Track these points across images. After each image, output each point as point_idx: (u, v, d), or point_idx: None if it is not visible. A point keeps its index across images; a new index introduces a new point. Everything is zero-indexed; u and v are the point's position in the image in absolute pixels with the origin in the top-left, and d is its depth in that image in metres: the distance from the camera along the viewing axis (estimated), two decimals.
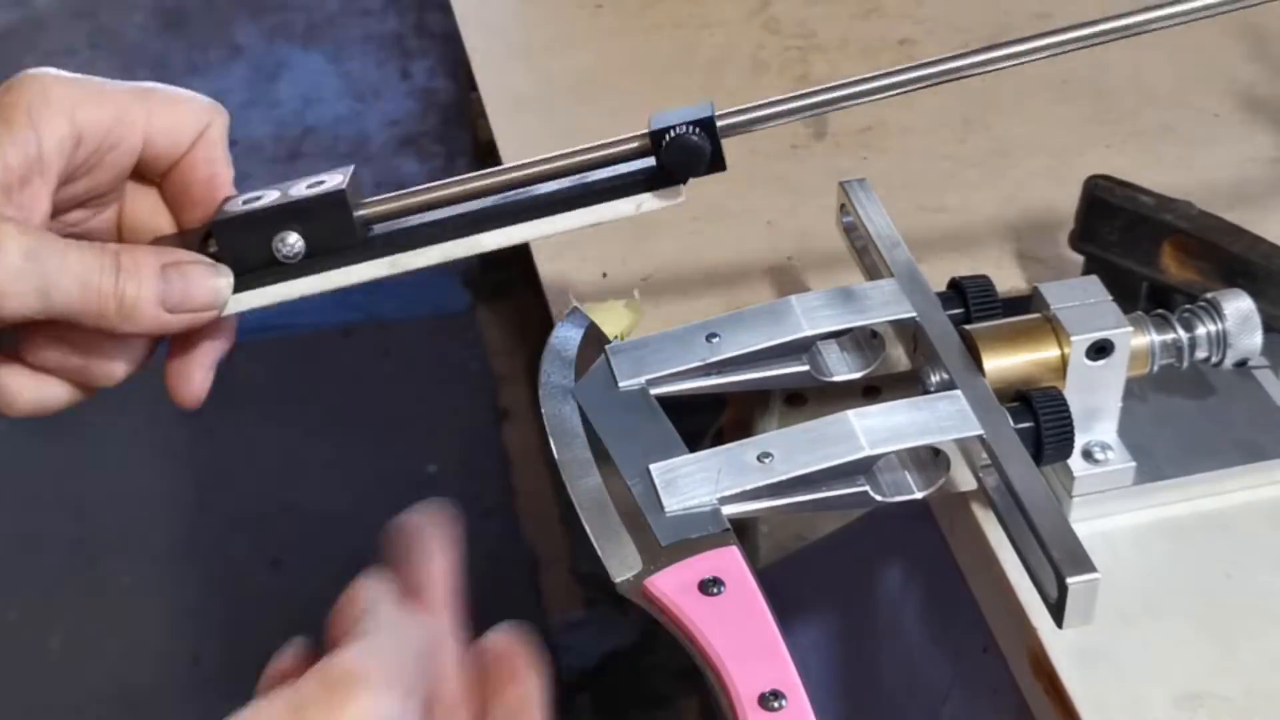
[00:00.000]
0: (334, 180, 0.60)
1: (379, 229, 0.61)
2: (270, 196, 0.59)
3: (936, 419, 0.62)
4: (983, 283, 0.68)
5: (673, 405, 0.65)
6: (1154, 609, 0.63)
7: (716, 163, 0.62)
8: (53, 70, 0.59)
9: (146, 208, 0.63)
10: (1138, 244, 0.74)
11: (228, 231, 0.59)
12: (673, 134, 0.61)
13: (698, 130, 0.62)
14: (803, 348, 0.66)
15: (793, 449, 0.61)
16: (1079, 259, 0.77)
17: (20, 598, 1.86)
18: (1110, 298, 0.65)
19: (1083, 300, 0.65)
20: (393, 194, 0.60)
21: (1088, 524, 0.66)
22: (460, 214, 0.61)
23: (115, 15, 1.99)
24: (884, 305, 0.67)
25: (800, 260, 0.84)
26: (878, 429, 0.61)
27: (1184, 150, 0.91)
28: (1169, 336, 0.66)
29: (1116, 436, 0.66)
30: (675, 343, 0.66)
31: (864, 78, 0.65)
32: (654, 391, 0.65)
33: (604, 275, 0.83)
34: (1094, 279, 0.67)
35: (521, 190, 0.62)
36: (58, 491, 1.95)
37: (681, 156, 0.61)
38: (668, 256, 0.84)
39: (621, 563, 0.56)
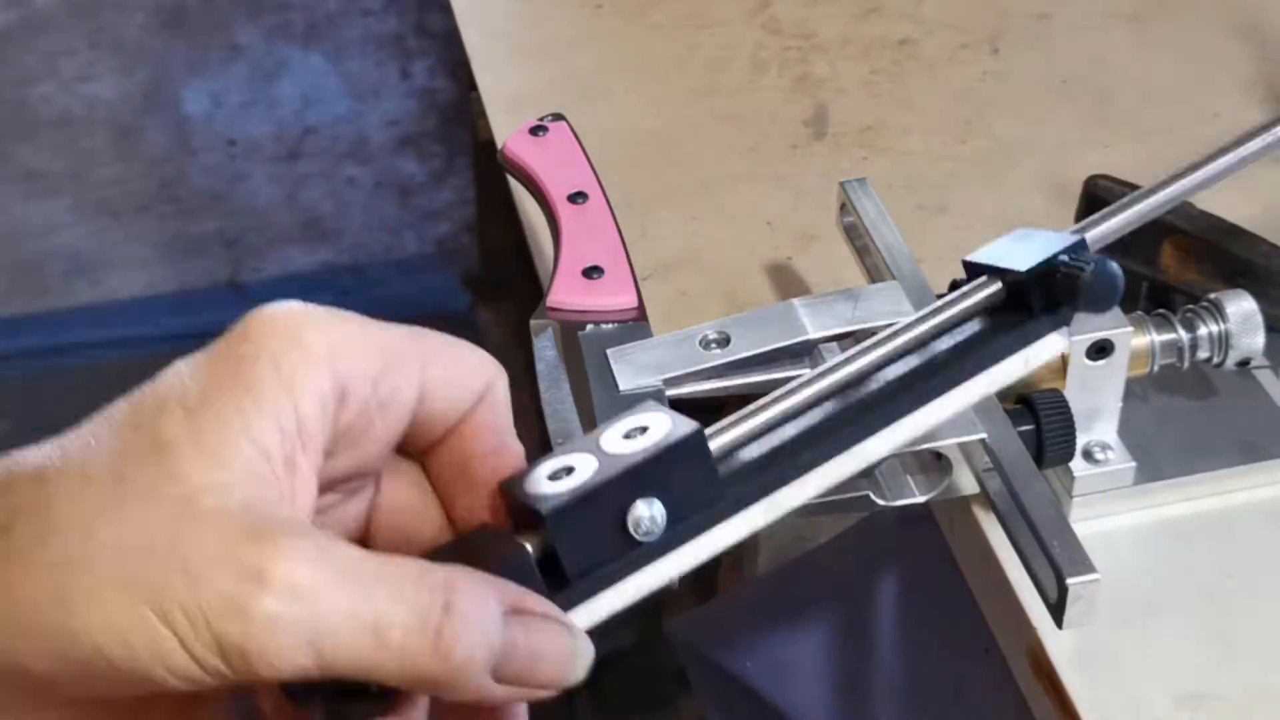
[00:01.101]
0: (677, 424, 0.44)
1: (733, 461, 0.47)
2: (583, 457, 0.43)
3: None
4: None
5: (672, 408, 0.65)
6: (1154, 609, 0.63)
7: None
8: (298, 304, 0.42)
9: (404, 489, 0.46)
10: (1138, 244, 0.74)
11: (567, 522, 0.42)
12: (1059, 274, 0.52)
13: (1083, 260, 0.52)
14: (804, 350, 0.66)
15: None
16: None
17: None
18: None
19: None
20: (735, 417, 0.47)
21: (1088, 524, 0.66)
22: (819, 422, 0.49)
23: (115, 15, 1.99)
24: (885, 307, 0.67)
25: (800, 260, 0.84)
26: None
27: (1184, 150, 0.91)
28: (1169, 336, 0.66)
29: (1117, 436, 0.66)
30: (675, 346, 0.66)
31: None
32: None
33: None
34: None
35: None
36: None
37: (1104, 283, 0.52)
38: (667, 257, 0.84)
39: None
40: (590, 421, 0.64)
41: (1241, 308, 0.66)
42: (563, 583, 0.42)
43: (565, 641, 0.42)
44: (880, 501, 0.62)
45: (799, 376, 0.49)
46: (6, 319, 2.14)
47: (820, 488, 0.47)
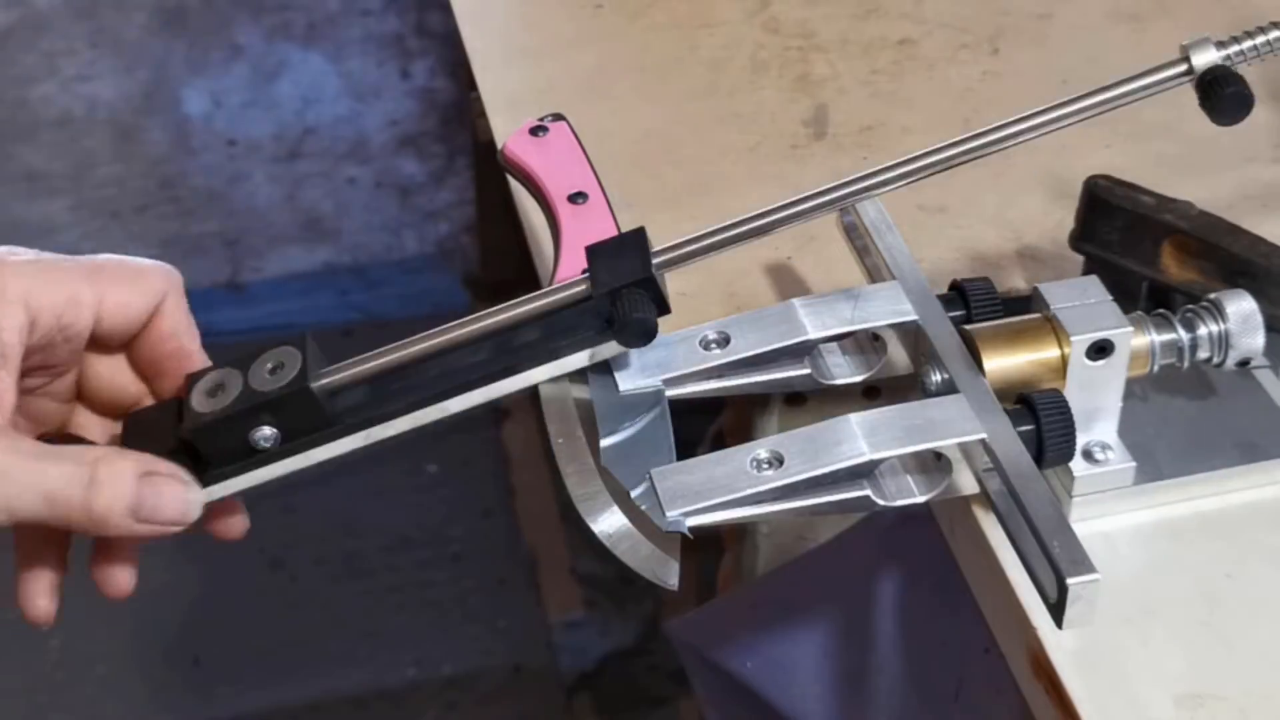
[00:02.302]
0: (293, 362, 0.61)
1: (347, 398, 0.63)
2: (233, 381, 0.61)
3: (938, 422, 0.62)
4: (984, 285, 0.68)
5: (672, 408, 0.65)
6: (1154, 609, 0.63)
7: (663, 313, 0.64)
8: (4, 252, 0.61)
9: (107, 371, 0.65)
10: (1138, 244, 0.74)
11: (204, 435, 0.61)
12: (620, 304, 0.62)
13: (641, 293, 0.63)
14: (804, 350, 0.66)
15: (794, 453, 0.61)
16: (1079, 259, 0.77)
17: None
18: (1110, 298, 0.65)
19: (1083, 300, 0.65)
20: (354, 362, 0.62)
21: (1088, 524, 0.66)
22: (429, 376, 0.63)
23: (115, 15, 1.99)
24: (885, 307, 0.67)
25: (800, 260, 0.84)
26: (880, 433, 0.61)
27: (1184, 150, 0.91)
28: (1169, 336, 0.66)
29: (1117, 436, 0.67)
30: (675, 346, 0.66)
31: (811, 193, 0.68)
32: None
33: None
34: (1094, 279, 0.67)
35: (476, 345, 0.63)
36: None
37: (636, 330, 0.62)
38: None
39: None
40: (591, 420, 0.64)
41: (1241, 308, 0.66)
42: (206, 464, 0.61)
43: (181, 492, 0.60)
44: (880, 501, 0.62)
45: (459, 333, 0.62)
46: None
47: (405, 429, 0.63)
